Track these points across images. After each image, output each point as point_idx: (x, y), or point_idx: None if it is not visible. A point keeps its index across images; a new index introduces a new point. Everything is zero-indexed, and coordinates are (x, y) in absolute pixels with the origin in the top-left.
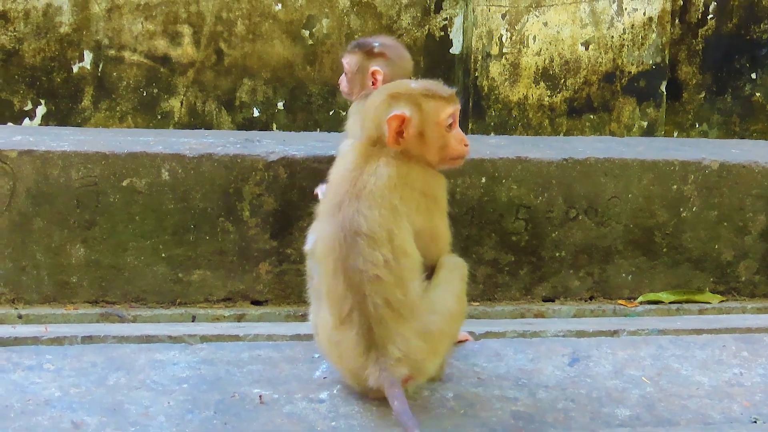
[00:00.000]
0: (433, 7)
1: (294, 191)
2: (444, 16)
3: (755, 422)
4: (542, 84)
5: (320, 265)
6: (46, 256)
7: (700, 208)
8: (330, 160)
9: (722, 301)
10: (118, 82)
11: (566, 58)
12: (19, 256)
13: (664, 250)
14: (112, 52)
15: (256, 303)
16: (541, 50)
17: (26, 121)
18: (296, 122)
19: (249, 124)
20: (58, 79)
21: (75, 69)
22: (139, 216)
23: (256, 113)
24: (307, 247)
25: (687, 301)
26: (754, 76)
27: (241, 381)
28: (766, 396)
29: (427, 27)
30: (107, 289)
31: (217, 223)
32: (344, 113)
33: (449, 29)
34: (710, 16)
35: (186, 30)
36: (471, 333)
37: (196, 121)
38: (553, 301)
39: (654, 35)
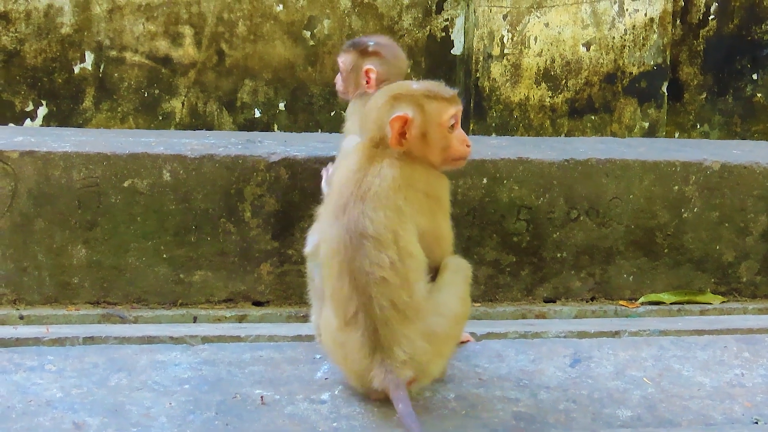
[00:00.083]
0: (434, 7)
1: (295, 192)
2: (445, 16)
3: (756, 423)
4: (543, 85)
5: (324, 266)
6: (48, 257)
7: (701, 208)
8: (331, 161)
9: (723, 301)
10: (120, 83)
11: (567, 59)
12: (20, 256)
13: (666, 250)
14: (113, 52)
15: (258, 304)
16: (542, 51)
17: (27, 121)
18: (297, 123)
19: (250, 125)
20: (60, 80)
21: (76, 70)
22: (140, 217)
23: (257, 114)
24: (307, 249)
25: (688, 302)
26: (755, 76)
27: (242, 382)
28: (767, 397)
29: (428, 28)
30: (109, 290)
31: (218, 224)
32: (345, 114)
33: (450, 30)
34: (711, 16)
35: (187, 31)
36: (472, 334)
37: (197, 121)
38: (554, 301)
39: (655, 36)
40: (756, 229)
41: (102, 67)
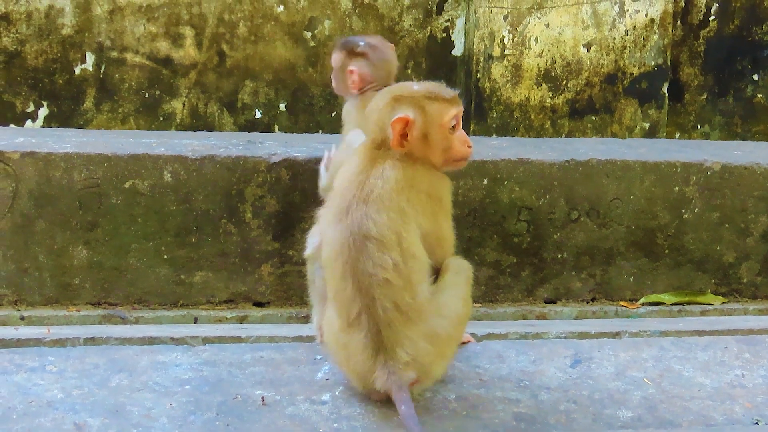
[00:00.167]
0: (435, 8)
1: (296, 193)
2: (446, 17)
3: (757, 424)
4: (544, 85)
5: (327, 268)
6: (49, 258)
7: (701, 209)
8: (334, 144)
9: (724, 302)
10: (120, 84)
11: (568, 60)
12: (21, 257)
13: (666, 251)
14: (114, 53)
15: (259, 304)
16: (542, 52)
17: (28, 122)
18: (298, 124)
19: (251, 126)
20: (60, 81)
21: (77, 71)
22: (141, 218)
23: (258, 115)
24: (308, 252)
25: (689, 303)
26: (755, 77)
27: (243, 382)
28: (767, 398)
29: (429, 28)
30: (109, 291)
31: (219, 225)
32: (342, 116)
33: (451, 31)
34: (712, 17)
35: (188, 32)
36: (473, 334)
37: (198, 122)
38: (555, 302)
39: (656, 37)
40: (756, 229)
41: (103, 68)
